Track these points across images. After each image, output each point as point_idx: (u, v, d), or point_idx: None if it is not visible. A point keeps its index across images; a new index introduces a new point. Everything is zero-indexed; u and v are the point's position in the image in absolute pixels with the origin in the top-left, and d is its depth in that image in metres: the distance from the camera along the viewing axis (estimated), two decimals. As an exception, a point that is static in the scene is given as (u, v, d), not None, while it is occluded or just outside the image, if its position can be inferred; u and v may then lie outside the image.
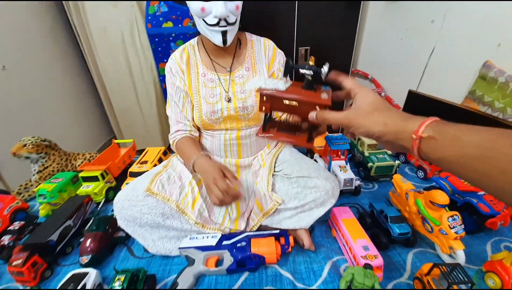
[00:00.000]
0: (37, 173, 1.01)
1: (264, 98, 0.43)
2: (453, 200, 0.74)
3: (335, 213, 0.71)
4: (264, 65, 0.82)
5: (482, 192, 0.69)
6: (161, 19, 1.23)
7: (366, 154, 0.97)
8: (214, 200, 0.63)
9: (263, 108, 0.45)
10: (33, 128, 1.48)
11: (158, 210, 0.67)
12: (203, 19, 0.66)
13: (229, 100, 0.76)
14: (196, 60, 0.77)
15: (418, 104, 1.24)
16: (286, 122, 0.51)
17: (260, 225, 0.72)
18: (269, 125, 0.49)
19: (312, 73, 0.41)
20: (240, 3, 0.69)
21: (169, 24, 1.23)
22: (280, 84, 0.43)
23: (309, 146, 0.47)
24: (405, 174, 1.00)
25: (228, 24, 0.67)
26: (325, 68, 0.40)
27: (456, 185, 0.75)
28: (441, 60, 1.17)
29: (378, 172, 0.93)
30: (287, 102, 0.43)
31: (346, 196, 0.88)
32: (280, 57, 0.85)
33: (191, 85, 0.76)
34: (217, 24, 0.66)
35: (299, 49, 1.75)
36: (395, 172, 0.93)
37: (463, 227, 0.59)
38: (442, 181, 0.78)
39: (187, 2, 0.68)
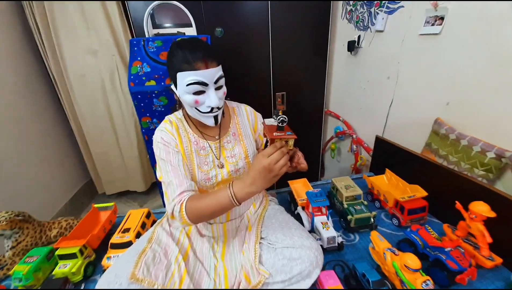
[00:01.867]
0: (10, 249, 0.95)
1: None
2: (425, 254, 0.81)
3: (321, 279, 0.73)
4: (249, 128, 0.89)
5: (448, 248, 0.76)
6: (144, 78, 1.27)
7: (345, 205, 1.03)
8: (284, 169, 0.60)
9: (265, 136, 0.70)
10: (2, 177, 1.45)
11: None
12: (196, 108, 0.72)
13: (222, 167, 0.80)
14: (186, 131, 0.81)
15: (385, 148, 1.37)
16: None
17: (251, 299, 0.72)
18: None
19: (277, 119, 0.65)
20: (225, 89, 0.76)
21: (152, 82, 1.28)
22: (272, 122, 0.68)
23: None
24: (381, 221, 1.07)
25: (219, 108, 0.74)
26: (279, 118, 0.64)
27: (426, 239, 0.82)
28: (400, 111, 1.31)
29: (357, 223, 0.99)
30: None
31: (331, 252, 0.91)
32: (260, 118, 0.94)
33: (185, 154, 0.78)
34: (210, 111, 0.73)
35: (276, 94, 1.87)
36: (373, 222, 0.99)
37: (436, 291, 0.64)
38: (413, 235, 0.84)
39: (176, 93, 0.73)
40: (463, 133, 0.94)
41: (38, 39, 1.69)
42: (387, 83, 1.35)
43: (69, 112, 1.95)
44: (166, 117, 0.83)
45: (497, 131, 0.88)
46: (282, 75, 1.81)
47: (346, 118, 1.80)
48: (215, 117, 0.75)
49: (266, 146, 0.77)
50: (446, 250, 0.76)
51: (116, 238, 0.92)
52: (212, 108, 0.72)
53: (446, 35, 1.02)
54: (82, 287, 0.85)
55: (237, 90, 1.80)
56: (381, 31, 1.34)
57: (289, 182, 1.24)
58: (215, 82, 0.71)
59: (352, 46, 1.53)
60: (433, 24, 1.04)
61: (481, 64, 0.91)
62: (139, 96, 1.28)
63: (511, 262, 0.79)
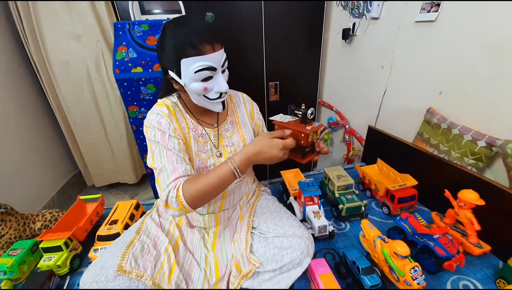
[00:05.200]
0: (-7, 242, 0.91)
1: (275, 126, 0.76)
2: (414, 241, 0.82)
3: (312, 267, 0.73)
4: (246, 117, 0.86)
5: (437, 235, 0.77)
6: (130, 64, 1.21)
7: (337, 195, 1.03)
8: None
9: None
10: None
11: (131, 288, 0.63)
12: (204, 95, 0.67)
13: (220, 155, 0.77)
14: (183, 116, 0.76)
15: (377, 139, 1.37)
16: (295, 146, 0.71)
17: (241, 289, 0.72)
18: None
19: (301, 113, 0.73)
20: (227, 72, 0.72)
21: (139, 69, 1.22)
22: (287, 118, 0.76)
23: (302, 162, 0.72)
24: (372, 210, 1.08)
25: (225, 93, 0.70)
26: (309, 111, 0.72)
27: (415, 226, 0.83)
28: (393, 101, 1.31)
29: (348, 212, 0.99)
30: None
31: (322, 241, 0.92)
32: (256, 107, 0.91)
33: (185, 140, 0.74)
34: (219, 97, 0.69)
35: (269, 84, 1.84)
36: (364, 211, 1.00)
37: (424, 278, 0.65)
38: (403, 223, 0.85)
39: (180, 81, 0.66)
40: (455, 122, 0.94)
41: (18, 24, 1.59)
42: (381, 72, 1.34)
43: (53, 101, 1.87)
44: (160, 100, 0.77)
45: (489, 120, 0.88)
46: (276, 64, 1.77)
47: (339, 109, 1.79)
48: (223, 103, 0.72)
49: None
50: (434, 237, 0.77)
51: (103, 230, 0.89)
52: (221, 94, 0.68)
53: (442, 22, 1.00)
54: (67, 280, 0.83)
55: (230, 80, 1.77)
56: (377, 18, 1.31)
57: (282, 172, 1.23)
58: (222, 66, 0.66)
59: (347, 34, 1.50)
60: (429, 11, 1.02)
61: (476, 52, 0.90)
62: (125, 84, 1.22)
63: (499, 250, 0.80)
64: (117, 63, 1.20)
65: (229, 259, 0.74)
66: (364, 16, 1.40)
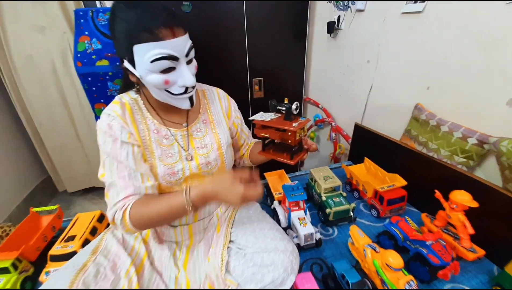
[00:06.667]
0: None
1: (256, 126, 0.67)
2: (406, 248, 0.76)
3: (297, 283, 0.65)
4: (221, 115, 0.76)
5: (430, 242, 0.71)
6: (93, 57, 1.08)
7: (324, 198, 0.96)
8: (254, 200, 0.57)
9: (258, 134, 0.68)
10: None
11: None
12: (166, 90, 0.57)
13: (190, 159, 0.67)
14: (142, 115, 0.65)
15: (364, 136, 1.32)
16: (280, 144, 0.70)
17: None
18: (268, 148, 0.71)
19: (285, 109, 0.63)
20: (196, 63, 0.63)
21: (104, 62, 1.09)
22: (269, 116, 0.66)
23: (291, 163, 0.64)
24: (360, 212, 1.02)
25: (193, 87, 0.61)
26: (294, 106, 0.63)
27: (407, 231, 0.78)
28: (379, 97, 1.26)
29: (336, 217, 0.92)
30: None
31: (308, 249, 0.84)
32: (233, 104, 0.82)
33: (142, 144, 0.64)
34: (185, 92, 0.59)
35: (253, 80, 1.75)
36: (352, 214, 0.94)
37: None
38: (393, 228, 0.79)
39: (135, 73, 0.56)
40: (444, 119, 0.90)
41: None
42: (366, 67, 1.28)
43: (16, 100, 1.70)
44: (117, 97, 0.66)
45: (480, 116, 0.83)
46: (259, 60, 1.68)
47: (326, 106, 1.73)
48: (190, 98, 0.62)
49: (263, 142, 0.71)
50: (427, 243, 0.71)
51: (56, 249, 0.77)
52: (187, 88, 0.59)
53: (429, 13, 0.94)
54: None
55: (210, 76, 1.65)
56: (362, 10, 1.25)
57: (266, 174, 1.15)
58: (186, 55, 0.57)
59: (332, 28, 1.43)
60: (415, 1, 0.96)
61: (465, 45, 0.85)
62: (89, 79, 1.09)
63: (493, 254, 0.76)
64: (78, 55, 1.07)
65: (203, 279, 0.65)
66: (349, 8, 1.33)
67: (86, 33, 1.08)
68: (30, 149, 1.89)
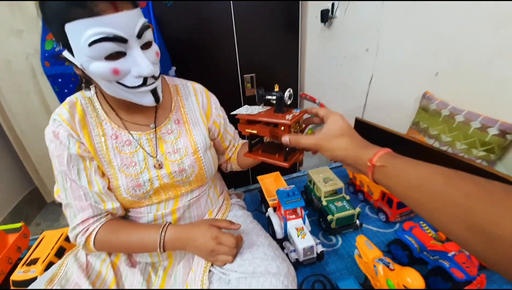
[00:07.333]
0: None
1: (240, 121, 0.54)
2: (423, 259, 0.65)
3: (295, 310, 0.54)
4: (198, 113, 0.65)
5: (452, 253, 0.60)
6: (66, 63, 0.97)
7: (324, 202, 0.85)
8: (227, 261, 0.54)
9: (242, 131, 0.55)
10: None
11: None
12: (118, 82, 0.46)
13: (160, 167, 0.57)
14: (98, 118, 0.56)
15: (365, 131, 1.21)
16: (270, 143, 0.59)
17: None
18: (256, 148, 0.58)
19: (275, 98, 0.49)
20: (157, 48, 0.51)
21: (76, 62, 0.99)
22: (256, 109, 0.53)
23: (285, 165, 0.51)
24: (366, 217, 0.91)
25: (156, 78, 0.50)
26: (286, 93, 0.49)
27: (423, 240, 0.66)
28: (381, 88, 1.15)
29: (339, 223, 0.81)
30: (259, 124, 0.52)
31: (309, 265, 0.73)
32: (214, 100, 0.71)
33: (96, 154, 0.54)
34: (144, 84, 0.48)
35: (244, 77, 1.65)
36: (357, 221, 0.83)
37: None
38: (407, 237, 0.68)
39: (74, 62, 0.46)
40: (458, 108, 0.79)
41: None
42: (365, 57, 1.18)
43: (-4, 109, 1.62)
44: (67, 99, 0.56)
45: (498, 102, 0.73)
46: (250, 54, 1.58)
47: (323, 101, 1.62)
48: (154, 92, 0.50)
49: (250, 142, 0.57)
50: (449, 255, 0.60)
51: (18, 273, 0.66)
52: (145, 79, 0.48)
53: (434, -10, 0.84)
54: None
55: (198, 74, 1.55)
56: (358, -6, 1.15)
57: (259, 177, 1.04)
58: (139, 36, 0.45)
59: (326, 16, 1.33)
60: (419, -23, 0.86)
61: (477, 22, 0.75)
62: (59, 80, 0.99)
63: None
64: (46, 54, 0.97)
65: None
66: (344, -7, 1.23)
67: (54, 29, 0.98)
68: (14, 159, 1.81)
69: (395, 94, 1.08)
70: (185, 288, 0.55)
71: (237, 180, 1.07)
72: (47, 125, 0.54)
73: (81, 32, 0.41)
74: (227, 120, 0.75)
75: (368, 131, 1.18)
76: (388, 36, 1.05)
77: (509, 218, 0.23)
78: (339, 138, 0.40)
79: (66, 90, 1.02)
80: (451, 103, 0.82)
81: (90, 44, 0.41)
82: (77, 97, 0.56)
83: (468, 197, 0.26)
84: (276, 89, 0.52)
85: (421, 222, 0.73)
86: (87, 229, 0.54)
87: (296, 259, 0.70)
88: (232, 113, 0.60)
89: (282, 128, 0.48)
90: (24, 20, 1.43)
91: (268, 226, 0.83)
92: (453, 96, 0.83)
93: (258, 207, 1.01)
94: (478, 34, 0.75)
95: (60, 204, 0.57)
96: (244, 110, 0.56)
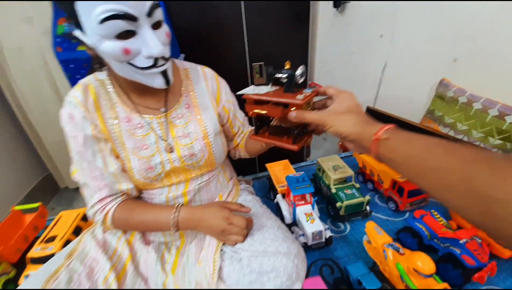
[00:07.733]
0: None
1: (247, 102, 0.50)
2: (433, 247, 0.65)
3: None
4: (208, 98, 0.65)
5: (464, 240, 0.60)
6: (74, 41, 0.98)
7: (333, 190, 0.85)
8: (237, 240, 0.56)
9: (249, 112, 0.51)
10: None
11: None
12: (128, 63, 0.47)
13: (171, 151, 0.58)
14: (111, 101, 0.57)
15: (377, 120, 1.19)
16: (277, 127, 0.55)
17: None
18: (262, 130, 0.55)
19: (286, 76, 0.46)
20: (168, 29, 0.51)
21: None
22: (264, 89, 0.50)
23: (294, 148, 0.48)
24: (375, 206, 0.90)
25: (166, 59, 0.50)
26: (298, 71, 0.45)
27: (434, 228, 0.66)
28: (395, 76, 1.12)
29: (348, 211, 0.82)
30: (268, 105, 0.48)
31: (317, 249, 0.74)
32: (224, 85, 0.70)
33: (110, 136, 0.56)
34: (154, 65, 0.48)
35: (253, 65, 1.63)
36: (367, 208, 0.83)
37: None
38: (418, 224, 0.68)
39: (86, 42, 0.46)
40: (476, 95, 0.76)
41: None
42: (379, 43, 1.14)
43: (9, 96, 1.66)
44: (80, 81, 0.57)
45: (519, 89, 0.70)
46: (259, 43, 1.56)
47: (333, 90, 1.59)
48: (164, 74, 0.51)
49: (256, 124, 0.54)
50: (460, 242, 0.59)
51: (36, 251, 0.70)
52: (156, 60, 0.48)
53: (456, -29, 0.80)
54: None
55: (207, 62, 1.54)
56: (373, -23, 1.10)
57: (268, 165, 1.04)
58: (149, 14, 0.45)
59: (338, 1, 1.29)
60: (440, -43, 0.81)
61: (498, 6, 0.71)
62: (71, 66, 1.00)
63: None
64: (57, 39, 0.97)
65: (193, 286, 0.56)
66: (358, -24, 1.19)
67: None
68: (28, 146, 1.86)
69: (409, 82, 1.05)
70: (198, 265, 0.57)
71: (245, 168, 1.08)
72: (59, 112, 0.55)
73: (91, 9, 0.41)
74: (237, 106, 0.74)
75: (380, 120, 1.16)
76: (404, 21, 1.02)
77: (508, 183, 0.23)
78: (346, 115, 0.40)
79: (78, 76, 1.03)
80: (469, 90, 0.79)
81: (101, 22, 0.41)
82: (90, 80, 0.57)
83: (467, 164, 0.26)
84: (287, 66, 0.48)
85: (432, 211, 0.72)
86: (104, 207, 0.56)
87: (305, 243, 0.71)
88: (238, 93, 0.58)
89: (293, 108, 0.45)
90: (34, 7, 1.43)
91: (276, 212, 0.84)
92: (471, 83, 0.80)
93: (266, 194, 1.02)
94: (498, 18, 0.72)
95: (73, 190, 0.60)
96: (251, 90, 0.52)
